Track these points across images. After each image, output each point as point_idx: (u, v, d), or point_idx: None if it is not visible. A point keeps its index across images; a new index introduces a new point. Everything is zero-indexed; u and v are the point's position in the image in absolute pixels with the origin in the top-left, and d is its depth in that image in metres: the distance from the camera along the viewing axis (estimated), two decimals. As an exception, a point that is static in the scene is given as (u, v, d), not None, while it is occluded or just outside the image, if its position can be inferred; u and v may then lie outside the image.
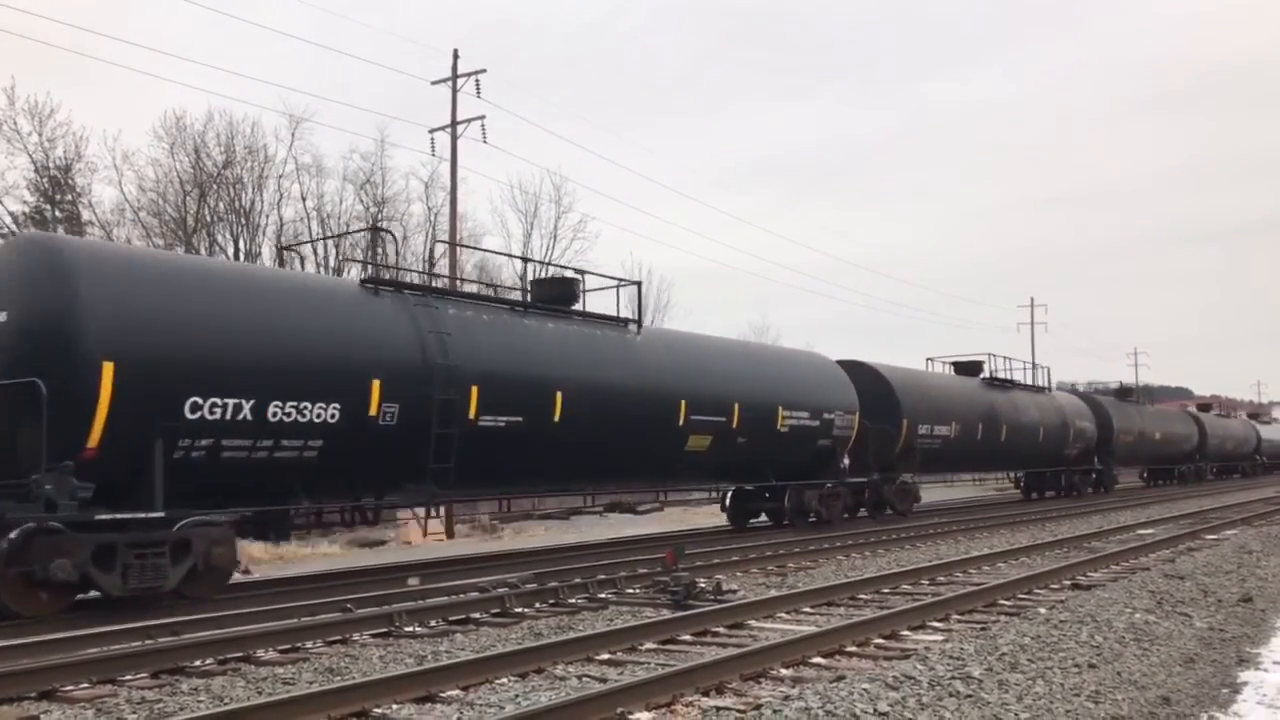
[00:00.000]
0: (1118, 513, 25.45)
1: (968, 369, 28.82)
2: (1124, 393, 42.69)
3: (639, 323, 17.43)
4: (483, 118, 31.19)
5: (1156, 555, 14.51)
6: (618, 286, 17.60)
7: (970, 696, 6.08)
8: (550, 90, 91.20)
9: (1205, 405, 59.01)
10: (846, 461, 21.23)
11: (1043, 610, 9.57)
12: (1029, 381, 31.84)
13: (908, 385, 24.28)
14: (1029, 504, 31.62)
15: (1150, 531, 18.75)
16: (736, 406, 17.95)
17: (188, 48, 70.87)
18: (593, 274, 17.64)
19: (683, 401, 16.76)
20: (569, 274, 18.55)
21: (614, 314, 16.88)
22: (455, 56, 31.04)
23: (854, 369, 23.22)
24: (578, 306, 16.44)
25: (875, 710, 5.70)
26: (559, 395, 14.42)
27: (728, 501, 21.96)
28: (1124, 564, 13.48)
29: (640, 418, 15.94)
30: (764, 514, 21.51)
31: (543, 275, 19.63)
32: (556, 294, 16.34)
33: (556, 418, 14.40)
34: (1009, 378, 30.35)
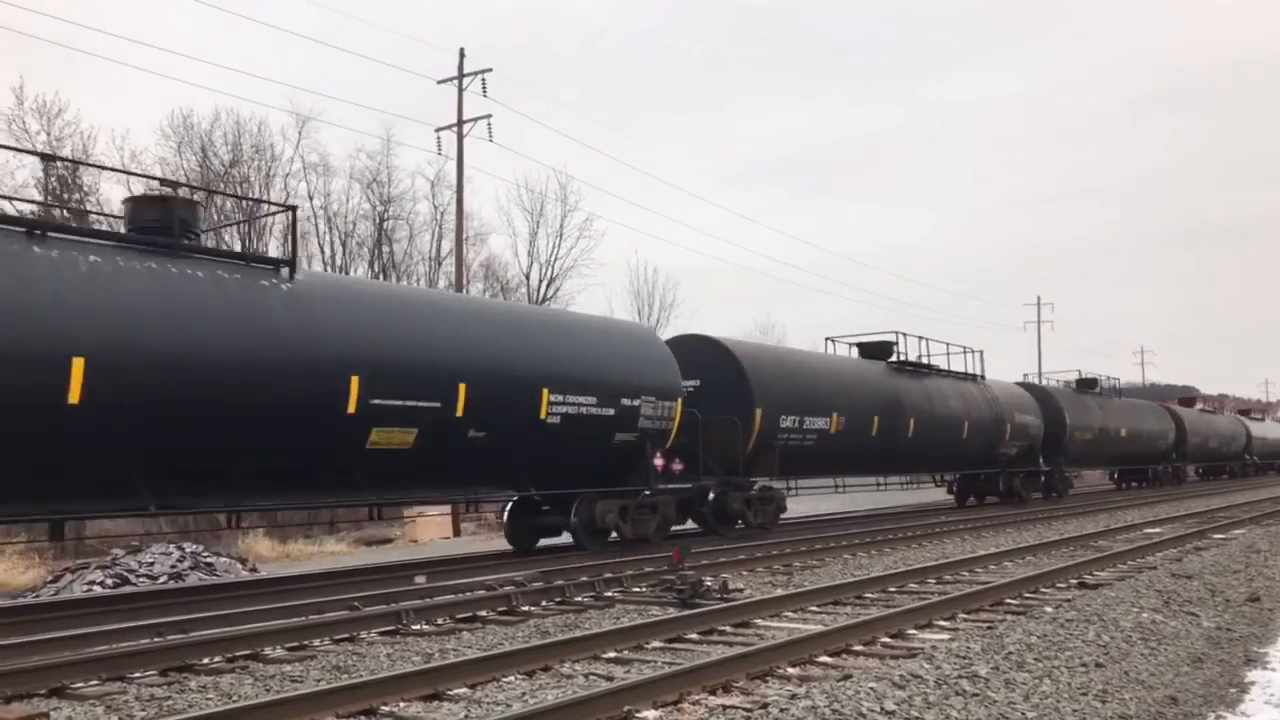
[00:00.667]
0: (1094, 515, 25.35)
1: (874, 350, 24.02)
2: (1087, 384, 36.06)
3: (292, 265, 12.03)
4: (489, 116, 31.28)
5: (1163, 554, 14.49)
6: (253, 213, 14.72)
7: (977, 695, 6.09)
8: (558, 88, 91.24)
9: (1189, 400, 51.61)
10: (660, 462, 16.44)
11: (1049, 609, 9.57)
12: (960, 368, 26.73)
13: (765, 366, 19.41)
14: (945, 516, 24.26)
15: (1157, 530, 18.72)
16: (463, 387, 13.06)
17: (195, 46, 71.00)
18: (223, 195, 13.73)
19: (355, 378, 11.75)
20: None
21: (253, 252, 13.57)
22: (461, 55, 31.12)
23: (696, 345, 19.11)
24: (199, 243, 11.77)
25: (882, 709, 5.71)
26: (79, 364, 9.55)
27: (505, 517, 16.90)
28: (1131, 563, 13.47)
29: (280, 405, 11.17)
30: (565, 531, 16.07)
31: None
32: (161, 220, 11.18)
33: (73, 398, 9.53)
34: (926, 361, 25.05)
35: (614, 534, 15.96)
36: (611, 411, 15.40)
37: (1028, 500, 29.14)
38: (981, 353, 27.61)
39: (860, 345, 24.13)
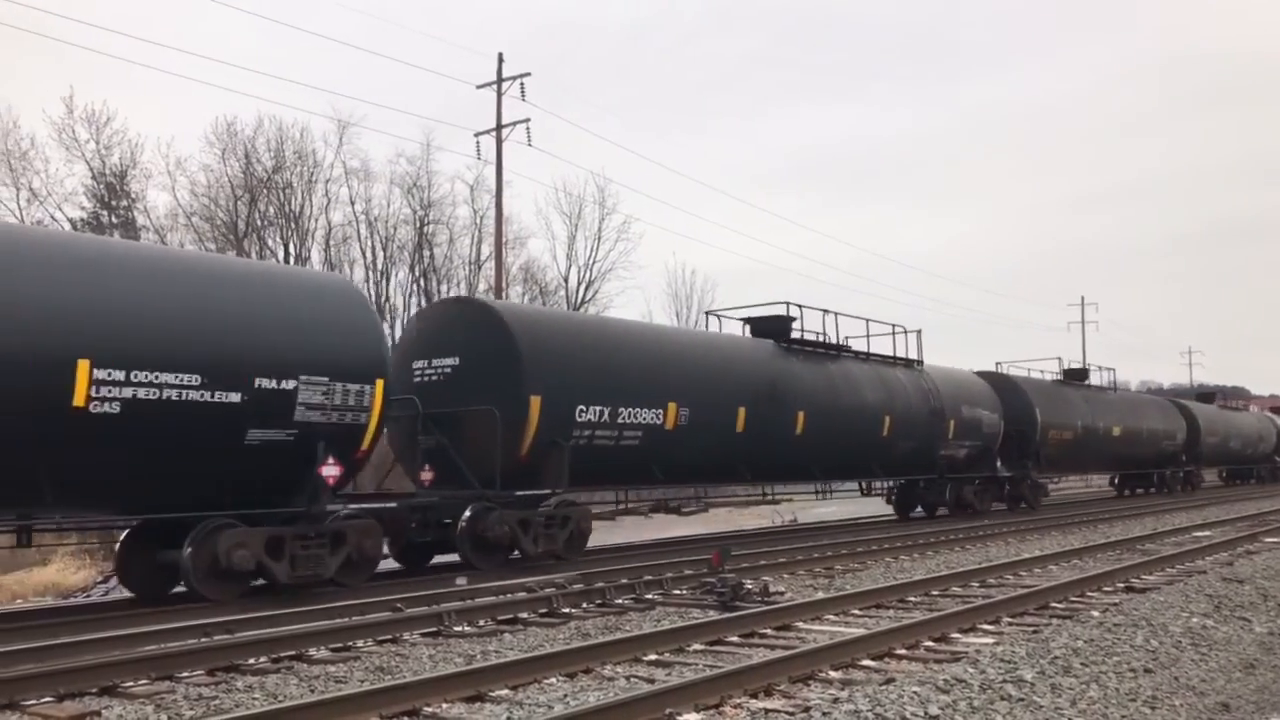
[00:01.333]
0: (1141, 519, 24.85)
1: (766, 327, 19.18)
2: (1076, 375, 31.16)
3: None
4: (527, 121, 31.52)
5: (1213, 558, 14.23)
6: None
7: (1023, 700, 6.02)
8: (597, 93, 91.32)
9: (1207, 396, 45.12)
10: (333, 471, 11.24)
11: (1096, 613, 9.43)
12: (887, 351, 21.75)
13: (547, 336, 14.29)
14: (879, 534, 19.23)
15: (1207, 534, 18.39)
16: None
17: (238, 54, 72.04)
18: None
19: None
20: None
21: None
22: (500, 60, 31.37)
23: (456, 312, 15.08)
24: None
25: (926, 713, 5.66)
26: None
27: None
28: (1179, 567, 13.24)
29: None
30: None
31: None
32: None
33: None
34: (834, 341, 20.05)
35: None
36: (241, 399, 10.48)
37: (983, 512, 23.98)
38: (919, 332, 22.46)
39: (749, 320, 19.60)
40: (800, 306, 19.48)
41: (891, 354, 22.00)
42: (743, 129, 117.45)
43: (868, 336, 21.50)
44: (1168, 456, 35.01)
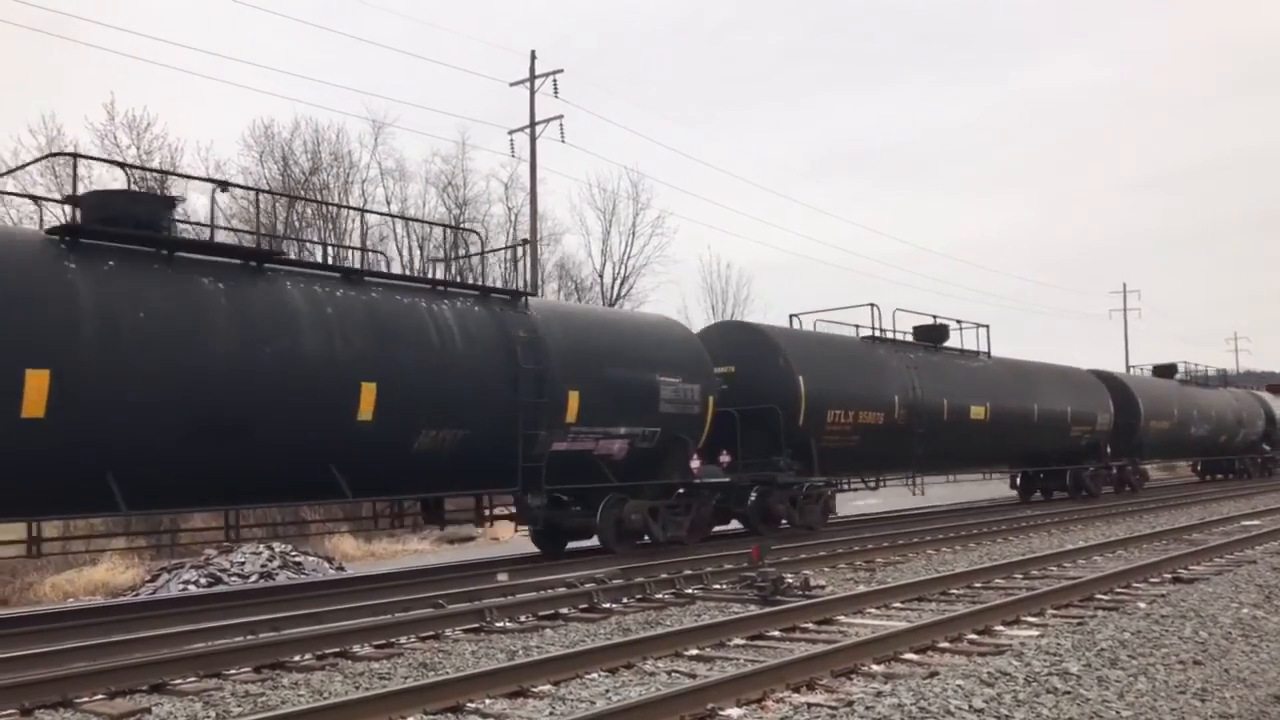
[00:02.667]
0: (1187, 508, 24.43)
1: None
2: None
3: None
4: (560, 118, 31.55)
5: (1264, 548, 13.98)
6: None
7: (1069, 693, 5.95)
8: (634, 87, 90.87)
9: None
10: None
11: (1142, 605, 9.30)
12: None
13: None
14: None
15: (1256, 523, 18.08)
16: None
17: (274, 58, 72.77)
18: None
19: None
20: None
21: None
22: (533, 58, 31.42)
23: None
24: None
25: (970, 706, 5.61)
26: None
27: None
28: (1228, 557, 13.03)
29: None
30: None
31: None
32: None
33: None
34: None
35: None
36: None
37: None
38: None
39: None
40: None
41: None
42: (784, 121, 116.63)
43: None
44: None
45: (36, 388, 9.26)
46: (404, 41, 74.56)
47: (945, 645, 7.75)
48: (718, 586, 11.40)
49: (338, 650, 8.11)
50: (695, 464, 15.28)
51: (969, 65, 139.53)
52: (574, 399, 13.82)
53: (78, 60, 67.54)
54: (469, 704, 6.21)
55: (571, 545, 15.82)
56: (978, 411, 21.79)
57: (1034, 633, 8.18)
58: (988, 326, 23.62)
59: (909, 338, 21.76)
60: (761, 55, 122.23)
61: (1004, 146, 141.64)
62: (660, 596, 10.81)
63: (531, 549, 16.28)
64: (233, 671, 7.42)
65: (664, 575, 11.61)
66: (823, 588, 10.91)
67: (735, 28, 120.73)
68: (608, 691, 6.46)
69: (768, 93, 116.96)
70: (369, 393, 11.65)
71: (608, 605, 10.28)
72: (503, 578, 12.16)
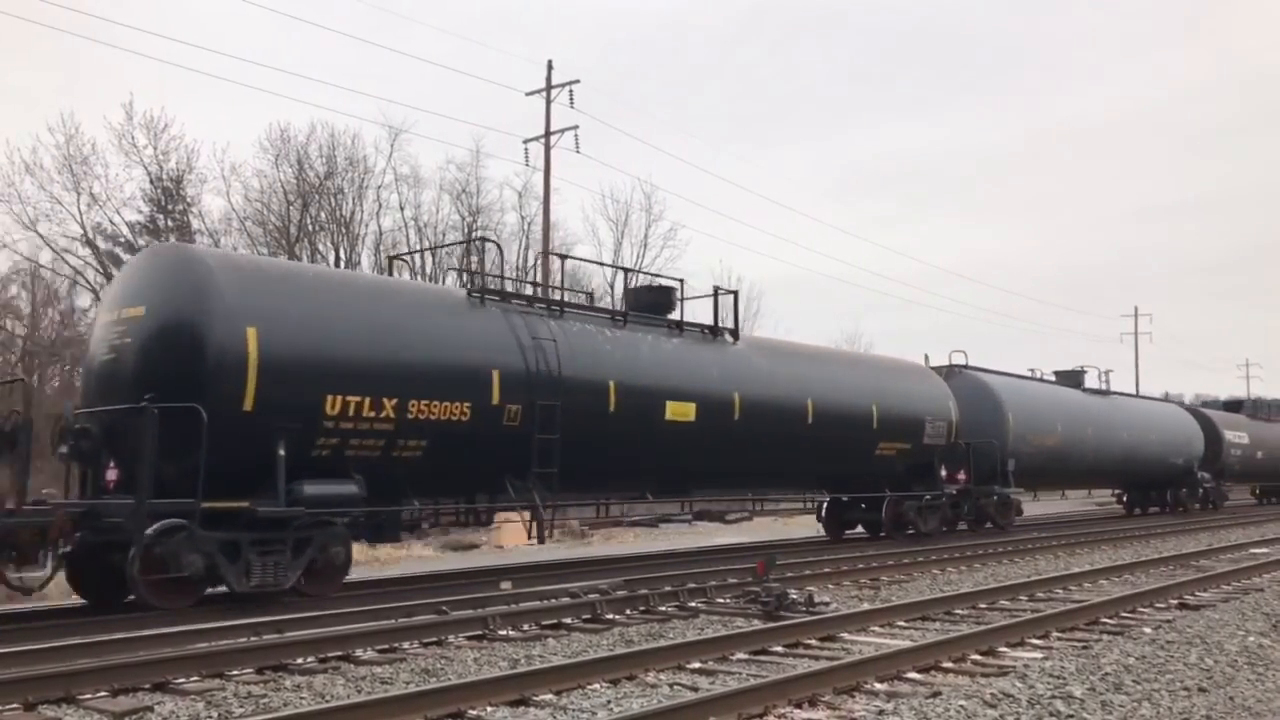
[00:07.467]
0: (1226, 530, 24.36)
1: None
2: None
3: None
4: (576, 128, 31.61)
5: (1271, 575, 13.91)
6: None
7: (1072, 717, 5.93)
8: (670, 108, 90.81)
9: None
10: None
11: (1148, 630, 9.27)
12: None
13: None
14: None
15: (1264, 551, 17.98)
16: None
17: (292, 62, 73.21)
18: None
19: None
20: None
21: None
22: (549, 68, 31.53)
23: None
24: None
25: (973, 728, 5.60)
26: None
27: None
28: (1235, 584, 12.96)
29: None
30: None
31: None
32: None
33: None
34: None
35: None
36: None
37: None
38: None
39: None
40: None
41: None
42: (816, 143, 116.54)
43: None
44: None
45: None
46: (421, 49, 74.94)
47: (949, 665, 7.72)
48: (721, 600, 11.39)
49: (340, 654, 8.12)
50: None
51: (1008, 93, 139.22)
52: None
53: (99, 63, 68.12)
54: (471, 711, 6.21)
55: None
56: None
57: (1038, 655, 8.15)
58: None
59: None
60: (806, 77, 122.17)
61: (1031, 171, 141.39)
62: (664, 609, 10.80)
63: (532, 559, 16.27)
64: (235, 672, 7.43)
65: (668, 588, 11.59)
66: (827, 604, 10.88)
67: (778, 50, 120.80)
68: (609, 702, 6.45)
69: (806, 113, 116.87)
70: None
71: (611, 616, 10.27)
72: (506, 585, 12.17)
